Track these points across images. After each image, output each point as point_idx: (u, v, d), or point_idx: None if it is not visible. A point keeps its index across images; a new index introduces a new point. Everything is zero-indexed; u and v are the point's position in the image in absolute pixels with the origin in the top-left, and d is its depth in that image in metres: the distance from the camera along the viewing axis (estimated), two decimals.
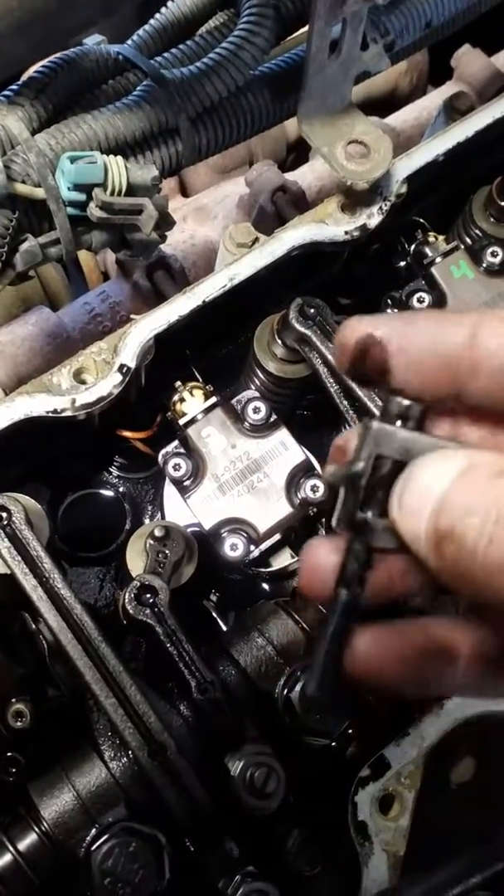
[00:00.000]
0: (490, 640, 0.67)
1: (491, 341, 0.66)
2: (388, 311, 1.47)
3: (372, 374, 0.69)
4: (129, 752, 1.04)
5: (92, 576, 1.50)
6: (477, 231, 1.51)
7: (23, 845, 1.05)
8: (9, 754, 1.15)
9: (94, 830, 1.04)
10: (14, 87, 1.15)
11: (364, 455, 0.67)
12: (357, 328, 0.69)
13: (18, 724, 1.14)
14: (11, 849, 1.04)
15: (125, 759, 1.06)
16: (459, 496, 0.61)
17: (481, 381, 0.66)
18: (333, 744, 1.18)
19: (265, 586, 1.38)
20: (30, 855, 1.04)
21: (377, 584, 0.69)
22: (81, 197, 1.11)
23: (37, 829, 1.05)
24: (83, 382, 1.18)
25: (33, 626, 1.20)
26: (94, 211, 1.11)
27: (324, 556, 0.70)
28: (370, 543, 0.67)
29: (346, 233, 1.30)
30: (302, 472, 1.28)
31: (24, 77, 1.18)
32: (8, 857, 1.04)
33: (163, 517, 1.41)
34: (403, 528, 0.65)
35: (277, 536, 1.27)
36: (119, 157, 1.13)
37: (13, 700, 1.16)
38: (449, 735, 1.17)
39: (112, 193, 1.11)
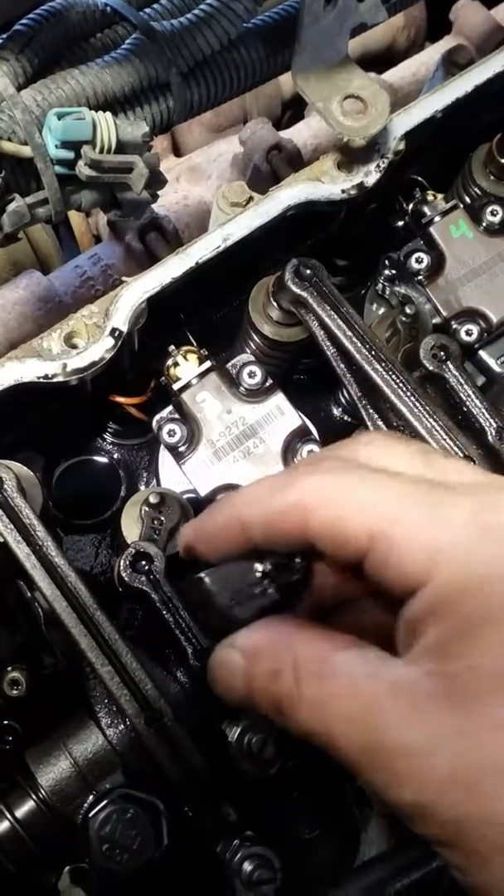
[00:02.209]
0: None
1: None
2: (386, 272, 1.44)
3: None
4: (126, 720, 1.03)
5: (87, 543, 1.49)
6: (476, 189, 1.48)
7: (20, 813, 1.04)
8: (5, 722, 1.15)
9: (91, 797, 1.04)
10: None
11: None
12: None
13: (14, 692, 1.14)
14: (9, 816, 1.04)
15: (122, 726, 1.05)
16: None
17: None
18: None
19: None
20: (27, 822, 1.04)
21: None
22: (70, 155, 1.08)
23: (34, 797, 1.04)
24: (74, 347, 1.15)
25: (28, 593, 1.19)
26: (82, 169, 1.08)
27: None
28: None
29: (343, 191, 1.27)
30: (298, 438, 1.26)
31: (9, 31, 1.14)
32: (6, 825, 1.04)
33: (158, 483, 1.40)
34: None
35: None
36: (108, 114, 1.10)
37: (9, 668, 1.15)
38: None
39: (101, 151, 1.08)
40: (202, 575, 0.81)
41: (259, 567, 0.78)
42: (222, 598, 0.79)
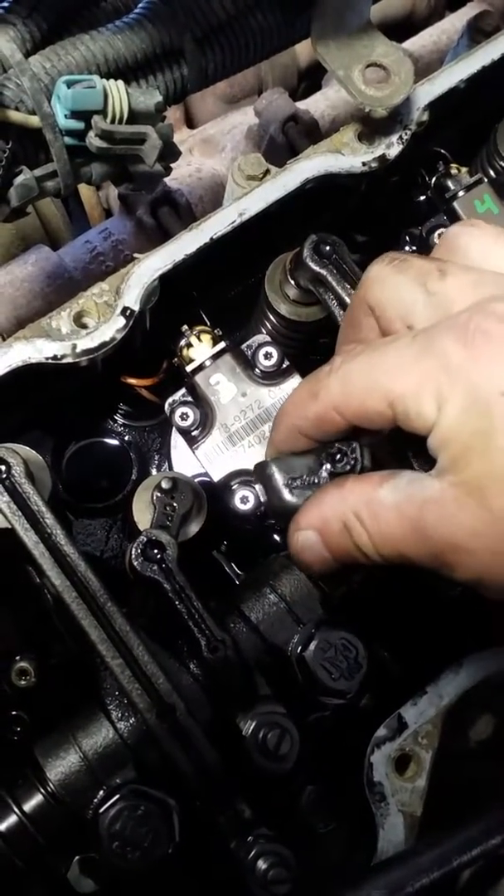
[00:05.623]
0: None
1: None
2: (407, 248, 1.39)
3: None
4: (138, 714, 1.00)
5: (98, 527, 1.45)
6: (502, 163, 1.42)
7: (28, 806, 1.02)
8: (13, 713, 1.12)
9: (101, 792, 1.01)
10: (4, 4, 1.06)
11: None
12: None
13: (23, 682, 1.11)
14: (17, 810, 1.01)
15: (133, 719, 1.02)
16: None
17: None
18: (350, 695, 1.14)
19: (277, 538, 1.33)
20: (35, 816, 1.01)
21: None
22: (80, 125, 1.03)
23: (42, 790, 1.02)
24: (84, 327, 1.11)
25: (38, 579, 1.16)
26: (93, 140, 1.03)
27: None
28: None
29: (364, 164, 1.22)
30: None
31: None
32: (14, 819, 1.01)
33: (170, 467, 1.36)
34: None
35: None
36: (120, 82, 1.05)
37: (17, 658, 1.12)
38: (468, 693, 1.13)
39: (113, 121, 1.03)
40: (269, 460, 0.94)
41: (315, 458, 0.91)
42: (279, 482, 0.91)
